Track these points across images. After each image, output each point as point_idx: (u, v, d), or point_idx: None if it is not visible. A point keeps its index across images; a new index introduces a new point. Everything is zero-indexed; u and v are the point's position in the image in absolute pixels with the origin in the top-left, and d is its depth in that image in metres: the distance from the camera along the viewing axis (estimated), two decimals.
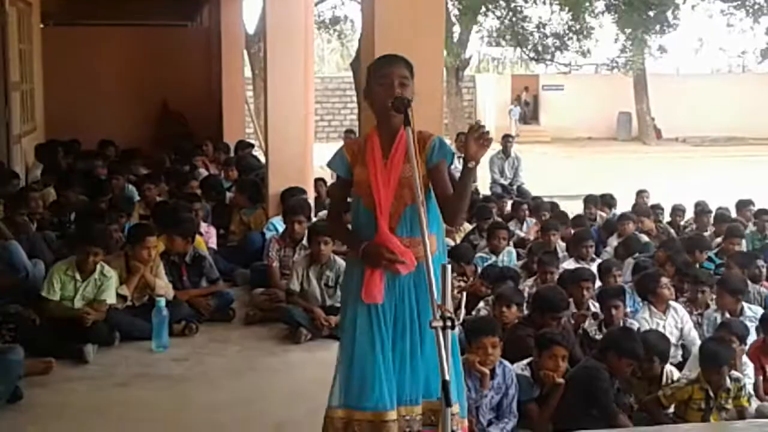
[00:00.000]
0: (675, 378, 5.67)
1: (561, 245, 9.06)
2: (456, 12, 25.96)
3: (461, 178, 3.62)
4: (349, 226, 3.93)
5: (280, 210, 8.89)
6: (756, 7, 28.53)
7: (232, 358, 6.40)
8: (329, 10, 29.97)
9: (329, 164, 3.89)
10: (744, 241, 9.64)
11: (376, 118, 3.77)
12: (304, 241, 7.73)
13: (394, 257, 3.59)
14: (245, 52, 19.86)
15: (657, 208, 11.48)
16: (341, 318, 3.92)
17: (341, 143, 4.17)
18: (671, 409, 5.48)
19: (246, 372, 6.09)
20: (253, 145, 14.98)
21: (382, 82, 3.66)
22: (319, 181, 10.86)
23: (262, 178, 10.34)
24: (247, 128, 18.19)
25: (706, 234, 10.11)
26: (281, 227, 8.39)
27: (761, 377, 6.00)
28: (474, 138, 3.49)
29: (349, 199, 3.95)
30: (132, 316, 6.69)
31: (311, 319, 6.77)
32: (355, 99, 27.87)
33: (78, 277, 6.54)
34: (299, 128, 9.69)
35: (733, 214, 11.18)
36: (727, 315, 6.73)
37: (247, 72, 22.61)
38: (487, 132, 3.52)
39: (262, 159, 12.17)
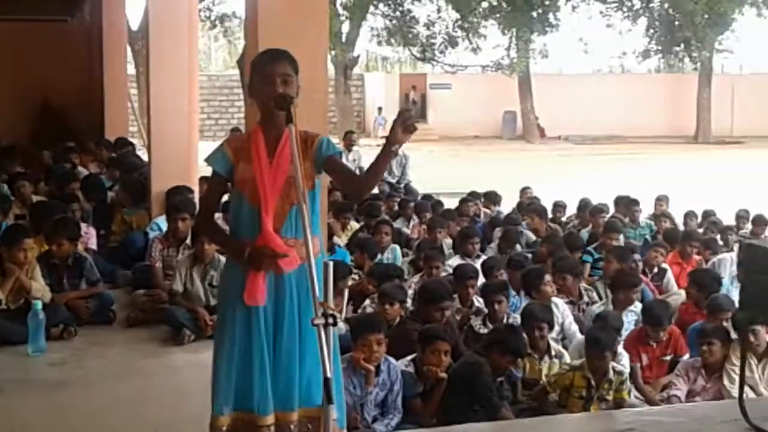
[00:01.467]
0: (558, 350, 5.96)
1: (447, 243, 9.19)
2: (343, 10, 26.06)
3: (381, 158, 3.55)
4: (226, 228, 3.86)
5: (163, 210, 8.73)
6: (633, 9, 29.57)
7: (112, 361, 6.25)
8: (216, 6, 29.61)
9: (208, 160, 3.77)
10: (621, 236, 9.97)
11: (260, 116, 3.72)
12: (188, 241, 7.62)
13: (277, 254, 3.53)
14: (129, 48, 19.43)
15: (558, 206, 11.85)
16: (218, 320, 3.84)
17: None
18: (556, 397, 5.62)
19: (127, 375, 5.95)
20: (131, 144, 14.65)
21: (264, 80, 3.61)
22: (204, 180, 10.68)
23: (146, 176, 10.13)
24: (131, 126, 17.82)
25: (586, 230, 10.42)
26: (165, 227, 8.24)
27: (638, 365, 6.21)
28: (402, 123, 3.44)
29: (224, 198, 3.88)
30: (7, 320, 6.45)
31: (195, 320, 6.68)
32: (242, 97, 27.66)
33: None
34: (183, 126, 9.52)
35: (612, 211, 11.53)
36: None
37: (132, 69, 22.14)
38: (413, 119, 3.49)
39: (146, 158, 11.93)
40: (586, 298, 7.32)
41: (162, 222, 8.52)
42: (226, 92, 33.91)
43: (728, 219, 11.45)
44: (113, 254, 8.63)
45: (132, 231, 9.06)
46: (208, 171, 3.90)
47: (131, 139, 15.27)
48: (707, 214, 11.29)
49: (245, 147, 3.67)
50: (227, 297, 3.70)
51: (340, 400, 3.79)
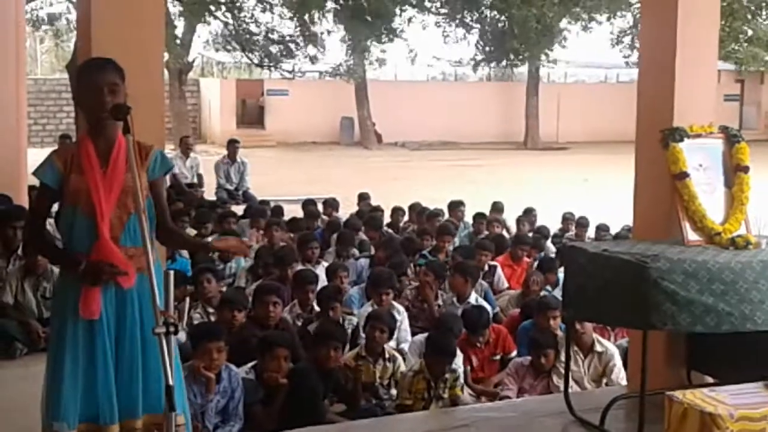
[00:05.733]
0: (393, 354, 6.19)
1: None
2: (178, 13, 25.69)
3: (191, 245, 3.81)
4: (59, 242, 3.78)
5: None
6: (465, 20, 30.54)
7: None
8: (42, 9, 28.54)
9: (36, 173, 3.68)
10: (457, 240, 10.32)
11: (87, 126, 3.68)
12: (20, 251, 7.37)
13: (115, 271, 3.50)
14: None
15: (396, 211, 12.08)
16: (54, 333, 3.74)
17: None
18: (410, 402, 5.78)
19: None
20: None
21: (91, 90, 3.58)
22: (33, 189, 10.35)
23: None
24: None
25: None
26: None
27: (468, 368, 6.48)
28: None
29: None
30: None
31: (27, 333, 6.48)
32: (71, 102, 26.75)
33: None
34: (10, 133, 9.13)
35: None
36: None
37: None
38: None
39: None
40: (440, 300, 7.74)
41: None
42: (54, 97, 32.68)
43: (556, 220, 12.08)
44: None
45: None
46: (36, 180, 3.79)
47: None
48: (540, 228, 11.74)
49: (75, 158, 3.61)
50: (65, 310, 3.62)
51: (185, 406, 3.79)
